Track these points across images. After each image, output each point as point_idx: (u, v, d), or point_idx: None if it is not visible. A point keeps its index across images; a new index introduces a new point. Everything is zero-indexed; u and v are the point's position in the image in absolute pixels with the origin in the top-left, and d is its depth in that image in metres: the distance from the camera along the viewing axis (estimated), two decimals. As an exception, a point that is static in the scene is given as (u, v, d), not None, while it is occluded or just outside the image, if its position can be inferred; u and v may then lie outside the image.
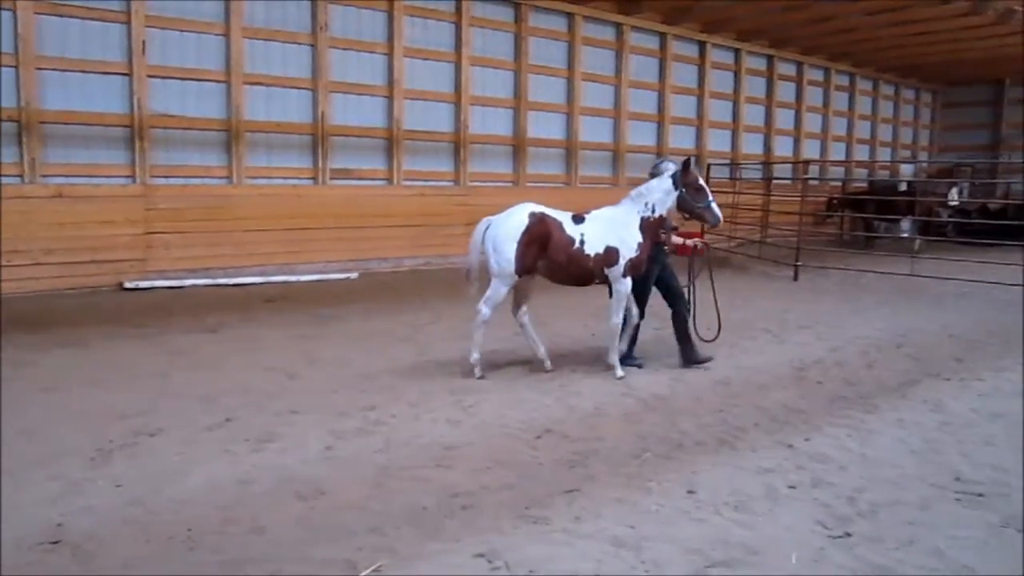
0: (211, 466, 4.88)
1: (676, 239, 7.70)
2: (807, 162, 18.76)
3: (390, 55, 13.97)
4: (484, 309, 7.00)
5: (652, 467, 4.99)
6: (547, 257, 6.94)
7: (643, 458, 5.13)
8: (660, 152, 18.28)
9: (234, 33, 12.25)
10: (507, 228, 6.91)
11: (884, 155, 25.61)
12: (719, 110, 20.19)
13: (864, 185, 22.78)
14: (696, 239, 7.97)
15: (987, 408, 6.49)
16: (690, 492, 4.60)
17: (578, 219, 7.08)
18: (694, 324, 7.80)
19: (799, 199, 16.68)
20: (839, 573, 3.71)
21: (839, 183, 22.98)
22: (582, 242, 6.97)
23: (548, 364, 7.33)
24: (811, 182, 20.82)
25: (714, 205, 7.08)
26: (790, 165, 21.06)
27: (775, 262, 15.28)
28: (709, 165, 17.90)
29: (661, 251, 7.45)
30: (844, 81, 23.82)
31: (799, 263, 14.25)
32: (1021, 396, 6.81)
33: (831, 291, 12.93)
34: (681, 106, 19.16)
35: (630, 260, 7.02)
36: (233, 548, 3.85)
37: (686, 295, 7.78)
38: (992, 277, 12.33)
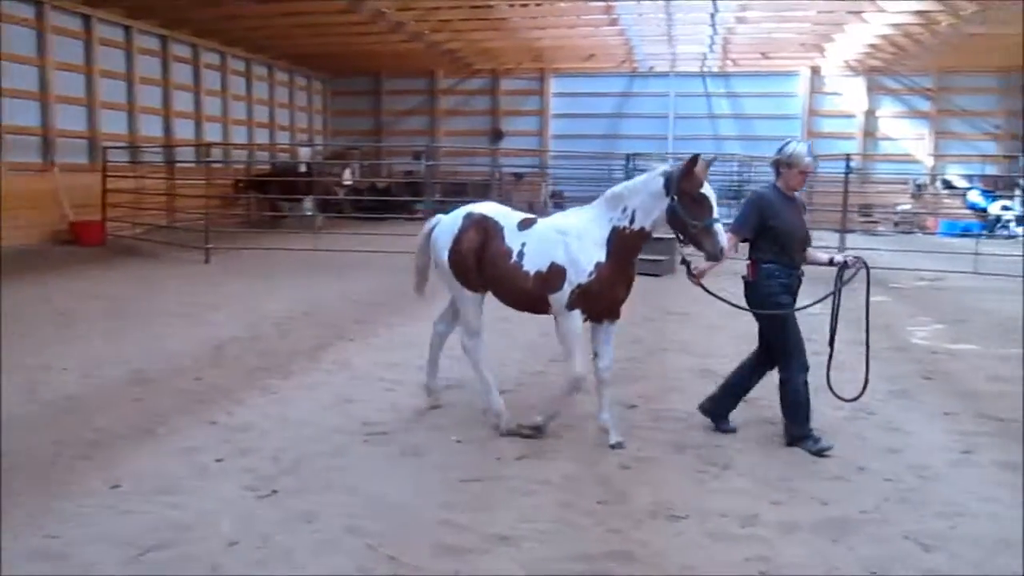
0: None
1: (820, 255, 5.54)
2: (209, 145, 18.88)
3: None
4: (468, 343, 5.59)
5: (70, 470, 4.70)
6: (483, 271, 5.41)
7: (58, 463, 4.79)
8: (47, 135, 16.50)
9: None
10: (441, 233, 5.61)
11: (283, 138, 26.88)
12: (112, 90, 18.92)
13: (267, 167, 23.85)
14: (849, 254, 5.49)
15: (384, 360, 7.46)
16: (115, 487, 4.47)
17: (525, 224, 5.42)
18: (828, 377, 5.42)
19: (204, 182, 16.72)
20: (268, 528, 4.01)
21: (243, 165, 23.61)
22: (520, 254, 5.26)
23: (434, 397, 5.99)
24: (215, 165, 21.04)
25: (718, 227, 4.89)
26: (192, 148, 20.85)
27: (185, 246, 14.98)
28: (106, 149, 16.85)
29: (796, 277, 5.34)
30: (240, 66, 24.27)
31: (210, 246, 14.31)
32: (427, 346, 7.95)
33: (244, 271, 13.28)
34: (67, 84, 17.43)
35: (579, 287, 5.09)
36: None
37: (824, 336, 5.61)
38: (385, 247, 13.87)
